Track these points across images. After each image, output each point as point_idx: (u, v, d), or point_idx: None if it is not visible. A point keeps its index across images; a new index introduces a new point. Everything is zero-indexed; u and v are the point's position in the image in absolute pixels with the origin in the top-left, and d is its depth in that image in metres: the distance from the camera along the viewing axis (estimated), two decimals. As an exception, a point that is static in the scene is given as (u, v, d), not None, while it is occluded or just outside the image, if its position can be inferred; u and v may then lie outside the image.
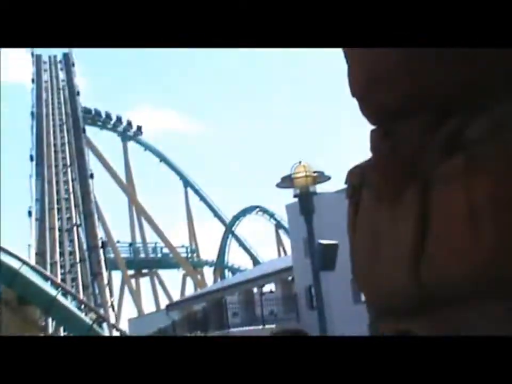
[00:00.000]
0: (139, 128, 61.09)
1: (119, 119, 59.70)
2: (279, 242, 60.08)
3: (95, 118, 58.10)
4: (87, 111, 54.58)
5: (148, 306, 58.46)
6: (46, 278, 18.88)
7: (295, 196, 14.45)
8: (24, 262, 17.98)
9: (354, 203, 2.80)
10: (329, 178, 14.79)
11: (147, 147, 61.77)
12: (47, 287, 18.03)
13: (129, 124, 60.46)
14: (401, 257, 2.39)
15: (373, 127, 2.74)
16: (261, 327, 29.43)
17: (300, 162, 14.43)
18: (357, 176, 2.77)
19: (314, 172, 14.36)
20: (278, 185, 14.63)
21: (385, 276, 2.55)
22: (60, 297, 18.04)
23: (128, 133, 60.77)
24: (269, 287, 40.10)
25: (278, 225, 59.72)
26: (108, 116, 58.54)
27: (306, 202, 14.04)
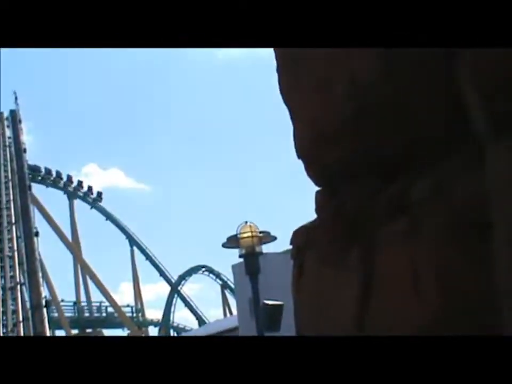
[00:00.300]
0: (99, 194, 60.57)
1: (69, 179, 59.37)
2: (225, 302, 59.72)
3: (41, 175, 57.68)
4: (34, 168, 54.13)
5: (91, 367, 57.21)
6: (-13, 338, 18.50)
7: (240, 256, 14.35)
8: (-36, 321, 17.55)
9: (298, 264, 2.79)
10: (275, 238, 14.73)
11: (93, 205, 61.38)
12: (-12, 346, 17.62)
13: (79, 183, 60.01)
14: (345, 318, 2.37)
15: (318, 188, 2.74)
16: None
17: (246, 222, 14.36)
18: (302, 236, 2.76)
19: (261, 232, 14.30)
20: (224, 245, 14.52)
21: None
22: (1, 357, 17.60)
23: (75, 191, 60.44)
24: (214, 347, 39.67)
25: (224, 285, 59.41)
26: (58, 175, 58.23)
27: (251, 262, 13.94)
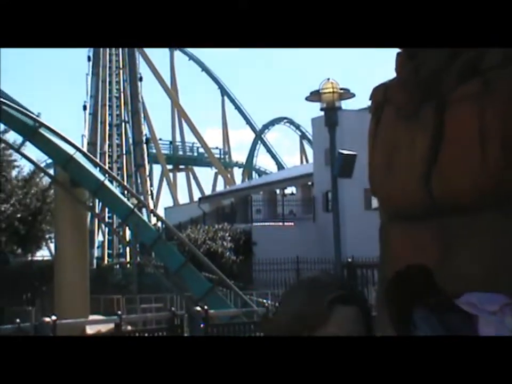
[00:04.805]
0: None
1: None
2: (302, 151, 59.80)
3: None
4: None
5: (182, 198, 59.01)
6: (95, 165, 19.17)
7: (321, 109, 14.30)
8: (77, 149, 18.18)
9: (376, 117, 2.80)
10: (353, 95, 14.58)
11: (191, 57, 61.18)
12: (96, 172, 18.30)
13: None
14: (415, 168, 2.40)
15: (399, 50, 2.71)
16: (280, 223, 29.69)
17: (328, 79, 14.22)
18: (381, 93, 2.76)
19: (341, 89, 14.16)
20: (306, 98, 14.47)
21: (399, 184, 2.56)
22: (107, 183, 18.30)
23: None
24: (290, 190, 40.25)
25: (303, 136, 59.31)
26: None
27: (331, 115, 13.91)
